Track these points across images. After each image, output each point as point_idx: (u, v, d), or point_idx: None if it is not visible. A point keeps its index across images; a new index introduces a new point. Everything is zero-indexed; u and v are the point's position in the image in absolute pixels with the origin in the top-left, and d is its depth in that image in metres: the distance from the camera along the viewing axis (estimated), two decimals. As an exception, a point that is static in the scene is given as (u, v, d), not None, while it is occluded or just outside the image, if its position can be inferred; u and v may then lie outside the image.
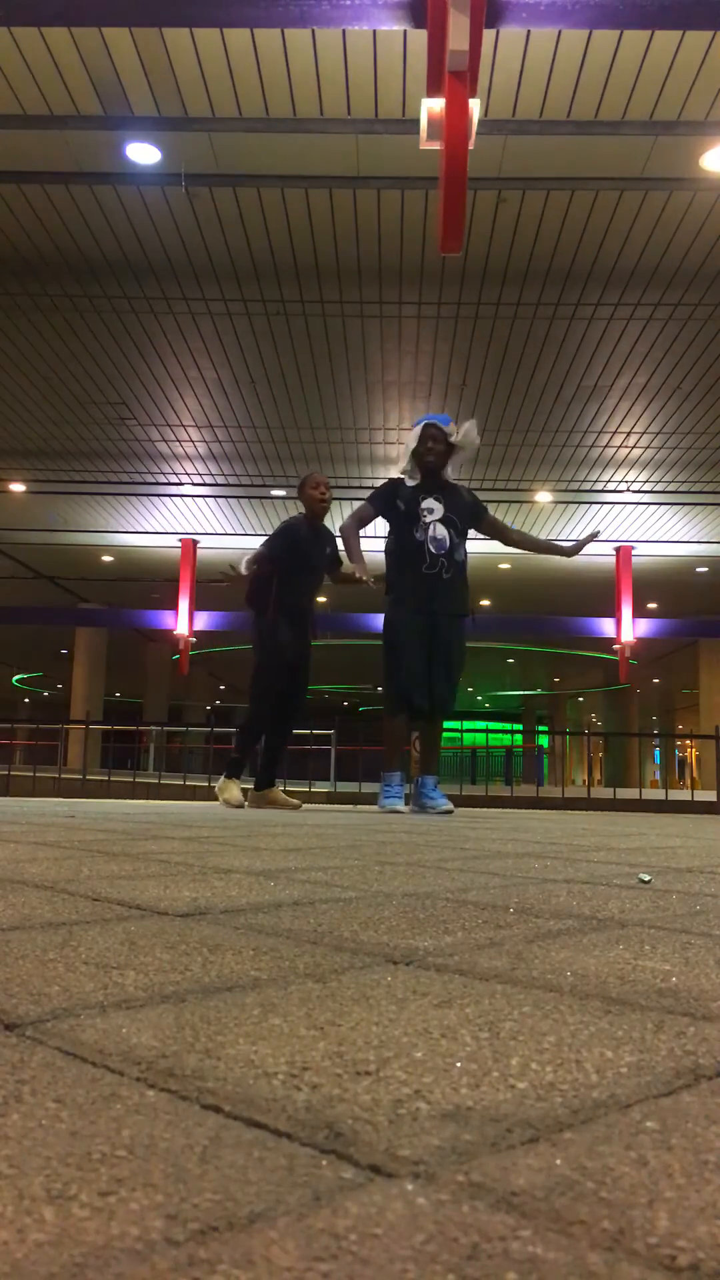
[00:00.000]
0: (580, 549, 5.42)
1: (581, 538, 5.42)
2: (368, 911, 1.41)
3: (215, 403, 11.09)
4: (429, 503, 4.94)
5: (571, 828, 3.99)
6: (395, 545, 5.04)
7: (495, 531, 5.32)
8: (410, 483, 5.01)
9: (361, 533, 5.14)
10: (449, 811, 4.95)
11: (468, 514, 5.10)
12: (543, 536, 15.71)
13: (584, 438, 11.75)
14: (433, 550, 4.89)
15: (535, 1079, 0.67)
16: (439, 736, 5.28)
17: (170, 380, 10.55)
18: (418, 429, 5.05)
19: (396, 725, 5.07)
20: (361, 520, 5.13)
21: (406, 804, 5.08)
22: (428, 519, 4.91)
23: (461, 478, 12.82)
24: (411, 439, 5.04)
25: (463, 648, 5.06)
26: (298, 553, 5.31)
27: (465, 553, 5.05)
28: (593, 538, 5.54)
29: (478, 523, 5.19)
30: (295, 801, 5.53)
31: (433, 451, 4.96)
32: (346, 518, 5.18)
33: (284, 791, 5.69)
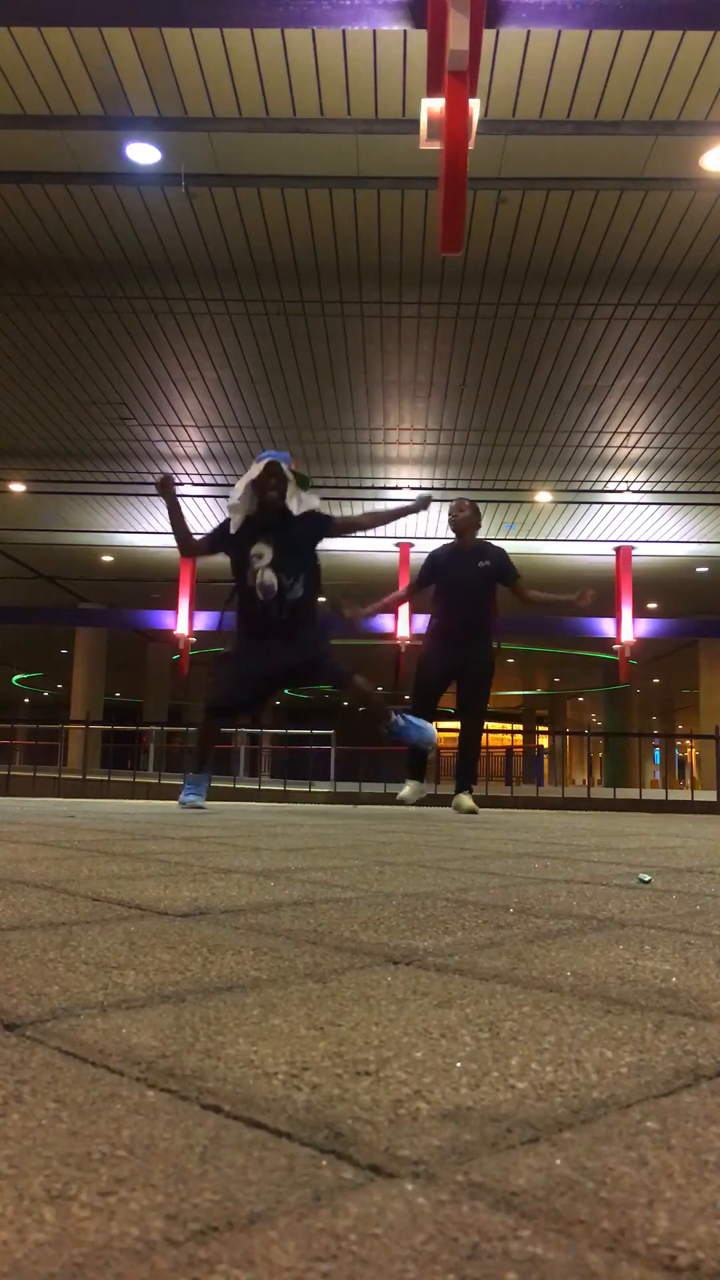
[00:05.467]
0: (417, 508, 5.41)
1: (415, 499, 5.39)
2: (368, 911, 1.41)
3: (215, 403, 11.09)
4: (258, 547, 4.84)
5: (571, 828, 3.99)
6: (235, 586, 5.01)
7: (349, 527, 5.29)
8: (234, 528, 4.87)
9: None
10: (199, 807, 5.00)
11: (307, 543, 4.98)
12: (541, 536, 15.73)
13: (584, 438, 11.75)
14: (260, 596, 4.82)
15: (535, 1079, 0.67)
16: None
17: (170, 380, 10.54)
18: (258, 465, 4.88)
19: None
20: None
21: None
22: (256, 564, 4.83)
23: (461, 479, 12.65)
24: (251, 472, 4.89)
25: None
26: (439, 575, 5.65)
27: (304, 588, 4.92)
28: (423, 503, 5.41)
29: (323, 536, 5.04)
30: (474, 807, 5.57)
31: (275, 487, 4.82)
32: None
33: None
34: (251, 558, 4.83)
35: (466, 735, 5.74)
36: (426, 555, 5.87)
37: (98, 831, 2.90)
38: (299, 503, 4.86)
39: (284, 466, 4.87)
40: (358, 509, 13.47)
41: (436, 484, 13.31)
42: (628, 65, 5.87)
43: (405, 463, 12.54)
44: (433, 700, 5.73)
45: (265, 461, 4.84)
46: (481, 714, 5.76)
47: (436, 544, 6.10)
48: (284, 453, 5.08)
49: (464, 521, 5.71)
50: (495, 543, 5.93)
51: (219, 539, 4.98)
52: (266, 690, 5.19)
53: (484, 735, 6.09)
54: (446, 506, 5.92)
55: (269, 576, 4.81)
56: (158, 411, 11.40)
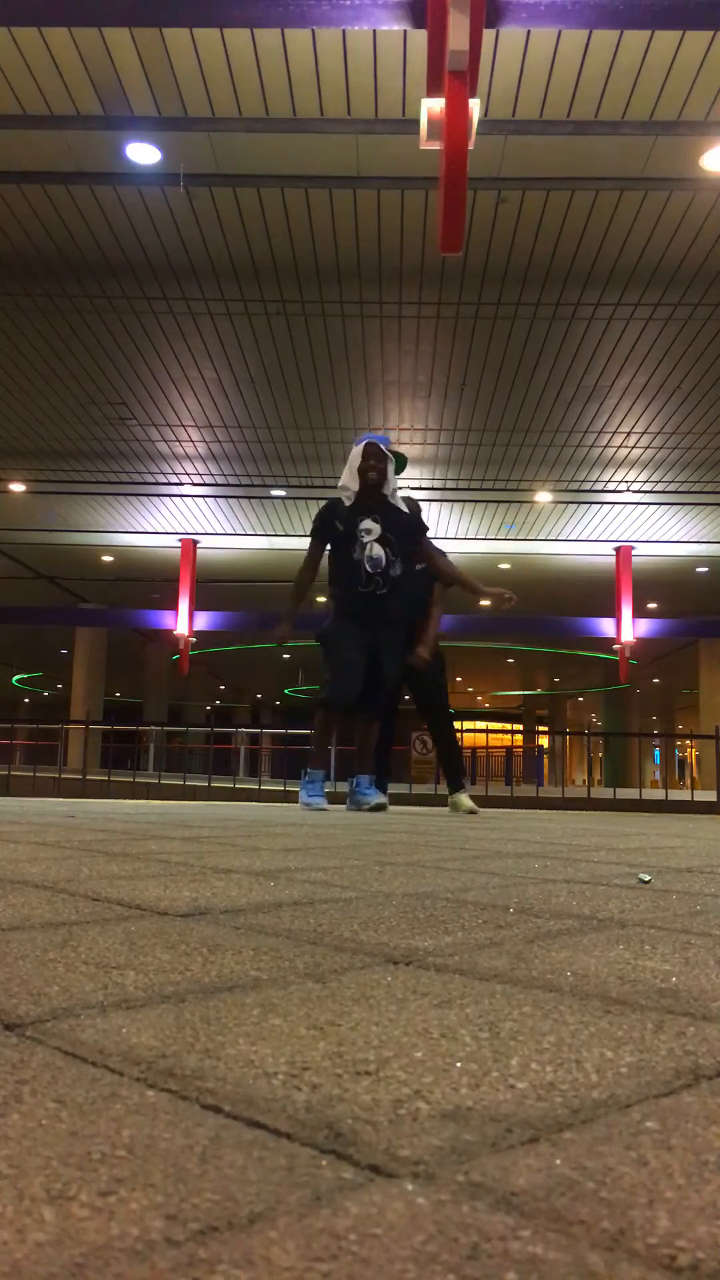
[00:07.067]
0: (486, 597, 5.46)
1: (492, 590, 5.42)
2: (368, 911, 1.41)
3: (215, 403, 11.09)
4: (366, 523, 4.94)
5: (571, 828, 3.99)
6: (335, 566, 5.05)
7: (431, 556, 5.28)
8: (347, 502, 4.98)
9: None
10: (380, 807, 5.02)
11: (406, 530, 5.07)
12: (541, 536, 15.72)
13: (584, 438, 11.75)
14: (369, 569, 4.89)
15: (535, 1079, 0.67)
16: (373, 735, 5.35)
17: (170, 380, 10.55)
18: (359, 447, 5.04)
19: (329, 720, 5.15)
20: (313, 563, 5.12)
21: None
22: (365, 539, 4.92)
23: (461, 479, 12.63)
24: (354, 457, 5.02)
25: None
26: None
27: (402, 569, 5.00)
28: (503, 597, 5.44)
29: (414, 538, 5.12)
30: (474, 807, 5.51)
31: (375, 469, 4.95)
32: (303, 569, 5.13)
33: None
34: (360, 533, 4.92)
35: (440, 735, 5.63)
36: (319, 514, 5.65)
37: (98, 831, 2.90)
38: (393, 485, 4.99)
39: (383, 448, 5.00)
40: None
41: (436, 484, 13.30)
42: (628, 65, 5.87)
43: (405, 463, 12.55)
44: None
45: (364, 444, 5.00)
46: (446, 712, 5.64)
47: None
48: (384, 435, 5.20)
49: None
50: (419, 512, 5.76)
51: (328, 522, 4.99)
52: (381, 679, 5.03)
53: (463, 735, 5.89)
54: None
55: (378, 550, 4.91)
56: (158, 411, 11.40)
